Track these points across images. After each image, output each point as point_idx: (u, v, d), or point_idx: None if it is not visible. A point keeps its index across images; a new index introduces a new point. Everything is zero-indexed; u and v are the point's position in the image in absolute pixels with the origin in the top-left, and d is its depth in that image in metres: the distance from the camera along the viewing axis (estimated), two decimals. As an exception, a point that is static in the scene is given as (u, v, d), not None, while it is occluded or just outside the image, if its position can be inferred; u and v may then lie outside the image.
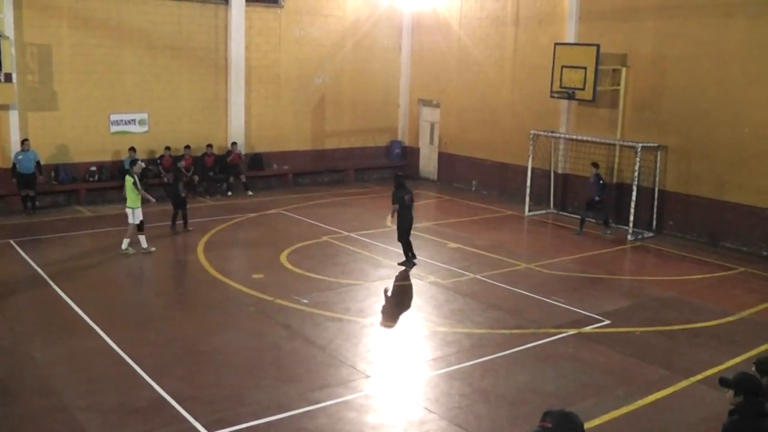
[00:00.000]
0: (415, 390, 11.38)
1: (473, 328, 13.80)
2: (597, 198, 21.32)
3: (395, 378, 11.73)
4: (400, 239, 17.79)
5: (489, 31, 26.97)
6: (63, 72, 23.82)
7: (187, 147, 25.32)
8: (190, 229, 20.56)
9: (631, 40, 22.28)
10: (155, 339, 13.13)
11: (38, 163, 22.58)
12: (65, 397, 10.93)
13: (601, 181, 21.36)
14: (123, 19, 24.57)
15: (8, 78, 22.35)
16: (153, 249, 18.52)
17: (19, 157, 22.40)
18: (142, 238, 18.54)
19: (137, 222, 18.40)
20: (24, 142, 22.61)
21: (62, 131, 23.96)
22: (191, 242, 19.49)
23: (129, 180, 18.37)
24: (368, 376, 11.68)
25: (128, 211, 18.34)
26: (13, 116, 23.10)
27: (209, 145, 25.89)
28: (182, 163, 22.00)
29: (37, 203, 22.87)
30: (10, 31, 22.57)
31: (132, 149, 24.17)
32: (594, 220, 21.85)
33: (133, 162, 19.02)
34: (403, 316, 14.60)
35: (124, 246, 18.45)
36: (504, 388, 11.43)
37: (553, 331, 13.77)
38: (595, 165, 21.63)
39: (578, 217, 22.14)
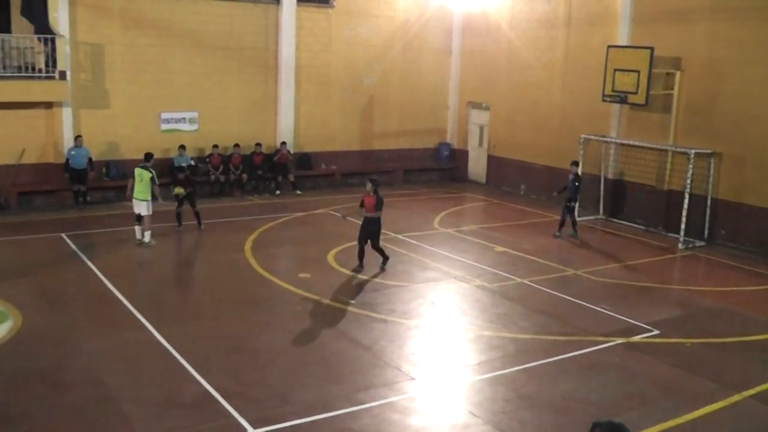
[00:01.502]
0: (459, 393, 11.34)
1: (518, 333, 13.71)
2: (569, 198, 21.06)
3: (439, 381, 11.69)
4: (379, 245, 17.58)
5: (539, 33, 26.78)
6: (115, 70, 24.17)
7: (236, 145, 25.59)
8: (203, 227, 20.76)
9: (685, 43, 21.94)
10: (202, 335, 13.23)
11: (90, 159, 22.94)
12: (112, 388, 11.07)
13: (577, 183, 21.04)
14: (174, 19, 24.84)
15: (62, 76, 22.75)
16: (147, 241, 19.03)
17: (72, 153, 22.79)
18: (138, 230, 19.07)
19: (136, 212, 19.00)
20: (77, 138, 22.98)
21: (113, 128, 24.30)
22: (239, 240, 19.61)
23: (148, 174, 18.87)
24: (413, 378, 11.66)
25: (144, 203, 18.83)
26: (67, 113, 23.50)
27: (258, 144, 26.06)
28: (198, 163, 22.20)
29: (88, 198, 23.22)
30: (64, 30, 22.97)
31: (182, 147, 24.48)
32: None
33: (148, 157, 19.58)
34: (449, 319, 14.53)
35: (147, 239, 18.97)
36: (549, 396, 11.32)
37: (599, 339, 13.61)
38: (575, 163, 21.36)
39: (630, 224, 21.87)
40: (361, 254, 17.30)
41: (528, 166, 27.39)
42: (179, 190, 20.04)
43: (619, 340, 13.56)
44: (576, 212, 21.60)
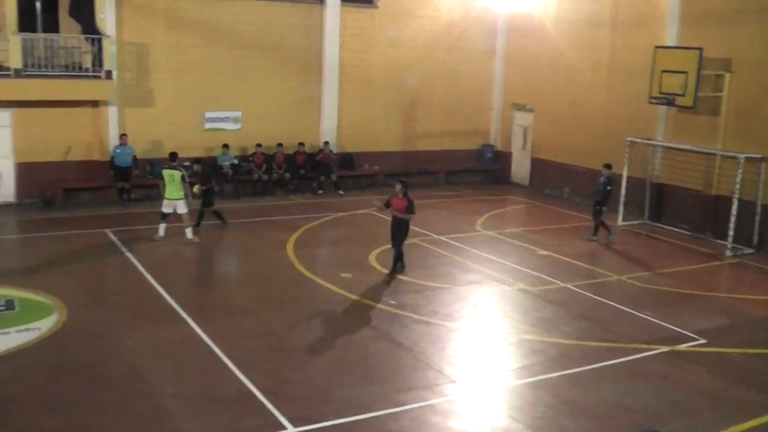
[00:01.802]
0: (499, 397, 11.27)
1: (561, 338, 13.58)
2: (599, 201, 20.73)
3: (480, 384, 11.62)
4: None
5: (584, 33, 26.44)
6: (159, 70, 24.42)
7: (280, 145, 25.69)
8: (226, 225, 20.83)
9: (735, 44, 21.50)
10: (243, 332, 13.30)
11: (134, 157, 23.18)
12: (153, 383, 11.21)
13: (609, 187, 20.70)
14: (218, 19, 25.02)
15: (108, 75, 23.07)
16: (189, 237, 19.24)
17: (117, 150, 23.09)
18: (162, 227, 19.24)
19: (164, 212, 19.21)
20: (122, 136, 23.25)
21: (157, 127, 24.53)
22: (281, 239, 19.68)
23: (178, 173, 19.13)
24: (453, 381, 11.61)
25: (179, 202, 19.09)
26: (112, 112, 23.83)
27: (301, 144, 26.14)
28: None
29: (132, 195, 23.46)
30: (111, 31, 23.28)
31: (225, 146, 24.69)
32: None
33: (173, 156, 19.82)
34: (490, 322, 14.44)
35: (189, 236, 19.19)
36: (591, 402, 11.19)
37: (643, 346, 13.40)
38: (607, 166, 21.00)
39: (675, 229, 21.58)
40: (396, 258, 17.09)
41: (572, 168, 27.10)
42: (197, 188, 20.14)
43: (664, 348, 13.35)
44: (600, 215, 21.02)
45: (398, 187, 16.73)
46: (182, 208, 19.19)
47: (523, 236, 21.17)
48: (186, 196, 19.23)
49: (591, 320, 14.65)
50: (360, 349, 12.77)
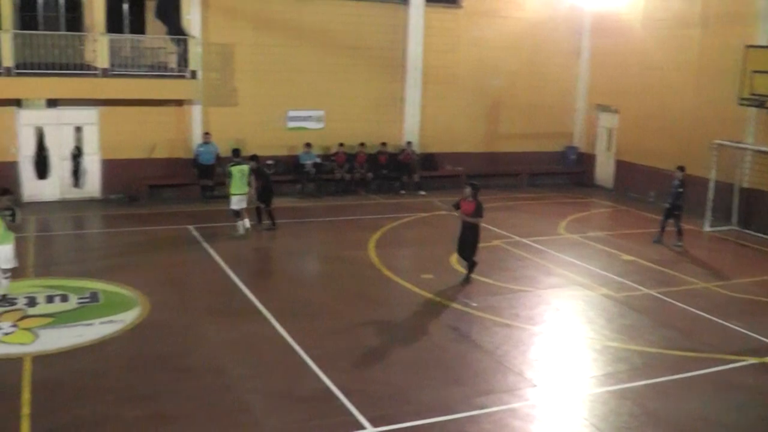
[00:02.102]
0: (582, 404, 11.03)
1: (645, 347, 13.23)
2: (671, 204, 20.18)
3: (563, 390, 11.41)
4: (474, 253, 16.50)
5: (673, 33, 25.74)
6: (244, 70, 24.76)
7: (362, 144, 25.77)
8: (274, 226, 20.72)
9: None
10: (324, 331, 13.34)
11: (217, 155, 23.47)
12: (234, 377, 11.33)
13: (681, 189, 20.09)
14: (303, 19, 25.24)
15: (193, 75, 23.51)
16: (246, 227, 19.78)
17: (201, 149, 23.46)
18: (240, 224, 19.61)
19: (237, 209, 19.50)
20: (205, 134, 23.59)
21: (241, 126, 24.84)
22: (362, 238, 19.74)
23: (247, 168, 19.57)
24: (535, 386, 11.43)
25: (244, 197, 19.54)
26: (197, 111, 24.28)
27: (383, 143, 26.18)
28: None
29: (215, 192, 23.76)
30: (196, 31, 23.71)
31: (307, 145, 24.87)
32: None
33: (237, 152, 20.40)
34: (573, 327, 14.17)
35: (246, 225, 19.75)
36: (675, 414, 10.88)
37: (730, 357, 12.95)
38: (681, 168, 20.37)
39: (765, 236, 20.96)
40: (470, 265, 16.54)
41: (658, 172, 26.40)
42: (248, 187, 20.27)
43: (752, 360, 12.89)
44: (665, 219, 20.56)
45: (467, 189, 16.32)
46: (243, 203, 19.67)
47: (607, 240, 20.78)
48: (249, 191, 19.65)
49: (676, 329, 14.27)
50: (440, 350, 12.67)
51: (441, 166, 27.87)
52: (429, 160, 27.58)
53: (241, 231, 19.66)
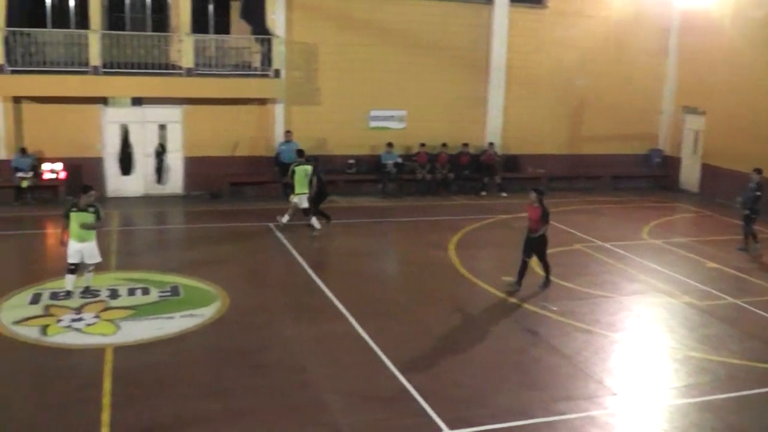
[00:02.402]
0: (663, 415, 10.72)
1: (728, 358, 12.79)
2: (748, 209, 19.44)
3: (643, 399, 11.12)
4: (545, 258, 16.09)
5: (765, 31, 24.87)
6: (327, 69, 24.91)
7: (444, 145, 25.69)
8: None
9: None
10: (402, 331, 13.30)
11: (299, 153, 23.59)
12: (312, 376, 11.35)
13: (758, 192, 19.34)
14: (386, 19, 25.26)
15: (277, 74, 23.74)
16: (284, 221, 20.02)
17: (282, 147, 23.64)
18: (314, 220, 19.86)
19: (305, 207, 19.83)
20: (287, 133, 23.78)
21: (323, 125, 25.02)
22: (443, 239, 19.66)
23: (310, 168, 19.70)
24: (614, 394, 11.17)
25: (298, 198, 19.65)
26: (279, 109, 24.56)
27: (465, 144, 26.04)
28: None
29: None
30: (281, 31, 23.96)
31: (389, 144, 24.87)
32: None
33: (300, 153, 20.64)
34: (655, 336, 13.80)
35: (284, 220, 20.00)
36: (759, 430, 10.51)
37: (822, 371, 12.47)
38: (758, 171, 19.66)
39: None
40: (522, 271, 15.90)
41: (745, 176, 25.55)
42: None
43: None
44: (751, 223, 19.78)
45: (532, 195, 15.73)
46: (305, 202, 19.82)
47: (692, 247, 20.24)
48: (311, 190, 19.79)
49: (762, 340, 13.78)
50: (519, 354, 12.51)
51: (523, 168, 27.57)
52: (511, 162, 27.34)
53: (317, 227, 19.80)
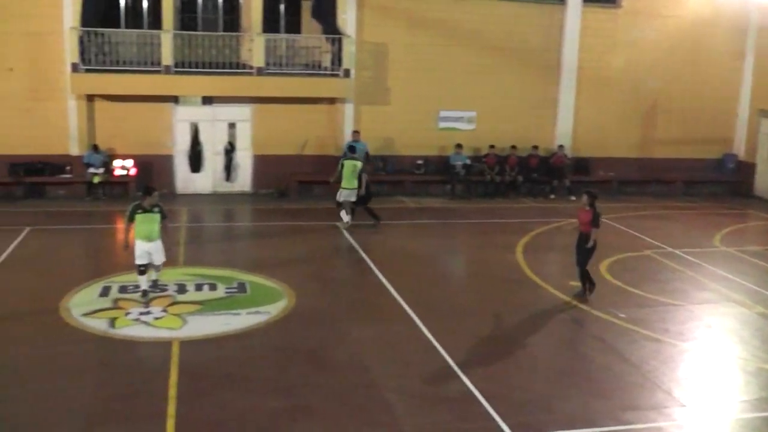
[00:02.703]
0: (732, 429, 10.42)
1: (806, 371, 12.43)
2: None
3: (712, 412, 10.83)
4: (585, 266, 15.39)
5: None
6: (397, 69, 24.89)
7: (513, 147, 25.48)
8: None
9: None
10: (468, 333, 13.19)
11: (367, 153, 23.61)
12: (376, 376, 11.33)
13: None
14: (457, 19, 25.15)
15: (347, 74, 23.81)
16: (345, 220, 20.23)
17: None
18: (343, 214, 20.19)
19: (340, 200, 20.13)
20: (354, 132, 23.79)
21: (391, 125, 25.01)
22: (510, 242, 19.50)
23: (360, 164, 19.91)
24: (683, 405, 10.88)
25: (353, 192, 19.98)
26: (348, 109, 24.65)
27: (535, 146, 25.79)
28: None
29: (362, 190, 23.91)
30: (351, 30, 23.99)
31: (458, 146, 24.76)
32: None
33: (352, 149, 21.04)
34: (727, 346, 13.41)
35: (345, 219, 20.14)
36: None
37: None
38: None
39: None
40: (582, 278, 15.45)
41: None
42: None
43: None
44: None
45: (584, 198, 15.31)
46: (353, 197, 20.03)
47: (765, 255, 19.63)
48: (359, 186, 19.90)
49: (842, 353, 13.36)
50: (585, 360, 12.31)
51: (593, 171, 27.19)
52: (580, 165, 26.97)
53: (346, 220, 20.14)
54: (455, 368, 11.58)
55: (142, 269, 13.97)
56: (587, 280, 15.34)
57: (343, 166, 20.03)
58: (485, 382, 11.08)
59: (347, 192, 20.00)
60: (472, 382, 11.07)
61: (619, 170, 27.32)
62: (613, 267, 17.59)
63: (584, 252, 15.14)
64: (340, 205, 20.22)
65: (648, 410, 10.62)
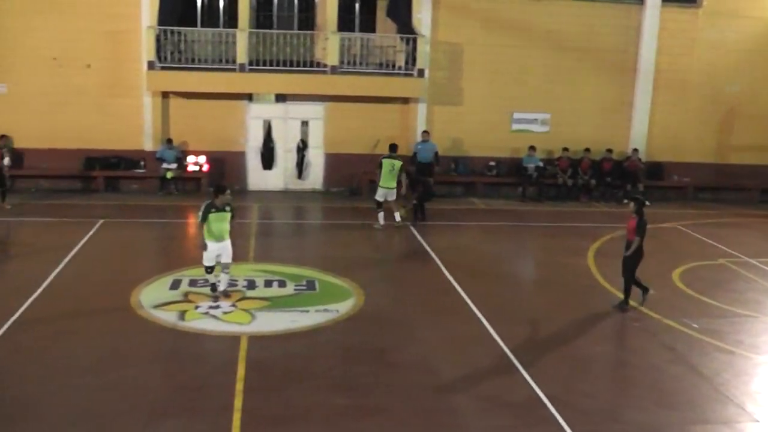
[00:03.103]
0: (813, 448, 10.14)
1: None
2: None
3: (787, 427, 10.53)
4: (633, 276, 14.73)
5: None
6: (471, 70, 24.82)
7: (587, 150, 25.23)
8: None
9: None
10: (536, 337, 13.13)
11: (436, 153, 23.53)
12: (442, 377, 11.29)
13: None
14: (533, 19, 24.96)
15: (421, 73, 23.78)
16: (398, 220, 20.29)
17: (419, 146, 23.55)
18: (381, 216, 20.19)
19: (380, 200, 20.14)
20: (424, 133, 23.71)
21: (463, 126, 24.98)
22: (581, 246, 19.29)
23: (399, 163, 19.91)
24: (756, 420, 10.56)
25: (392, 191, 20.09)
26: (421, 109, 24.63)
27: (608, 150, 25.44)
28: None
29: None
30: (426, 30, 24.00)
31: (531, 148, 24.58)
32: None
33: (393, 148, 20.73)
34: (803, 360, 13.10)
35: (397, 218, 20.28)
36: None
37: None
38: None
39: None
40: (628, 289, 14.75)
41: None
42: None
43: None
44: None
45: (632, 205, 14.64)
46: (393, 196, 20.04)
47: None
48: (399, 185, 20.02)
49: None
50: (655, 371, 12.04)
51: (667, 176, 26.70)
52: (654, 169, 26.51)
53: (381, 222, 20.14)
54: (522, 372, 11.47)
55: (209, 270, 14.13)
56: (639, 287, 14.85)
57: (381, 164, 20.13)
58: (552, 388, 10.95)
59: (384, 191, 20.08)
60: (539, 387, 10.95)
61: (695, 176, 26.77)
62: (685, 275, 17.24)
63: (626, 261, 14.59)
64: (379, 205, 20.22)
65: (719, 424, 10.37)
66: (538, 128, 25.69)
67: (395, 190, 20.11)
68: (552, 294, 15.84)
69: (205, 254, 13.94)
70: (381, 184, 20.09)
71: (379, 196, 20.18)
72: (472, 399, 10.62)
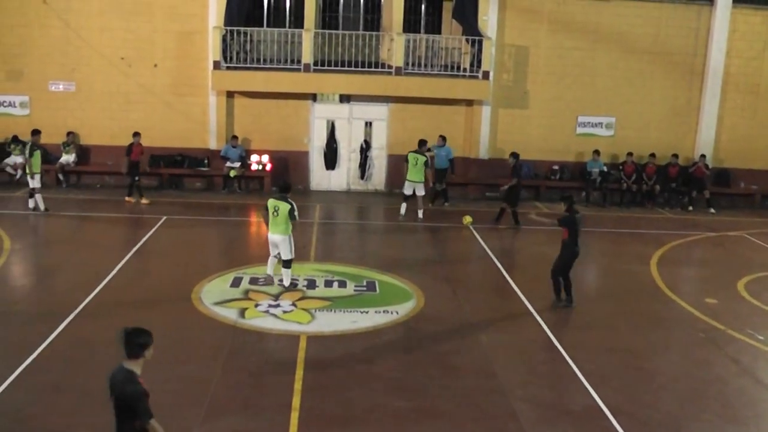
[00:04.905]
0: None
1: None
2: None
3: None
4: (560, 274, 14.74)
5: None
6: (537, 73, 24.66)
7: (652, 155, 24.89)
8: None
9: None
10: (597, 345, 12.94)
11: (451, 160, 23.46)
12: (504, 383, 11.19)
13: None
14: (601, 21, 24.67)
15: (486, 76, 23.61)
16: (403, 216, 21.13)
17: (435, 151, 22.94)
18: (403, 206, 21.11)
19: (407, 194, 20.94)
20: (440, 138, 23.31)
21: (528, 129, 24.87)
22: (645, 253, 19.01)
23: (423, 158, 20.71)
24: (823, 435, 10.34)
25: (420, 185, 20.74)
26: (486, 111, 24.59)
27: (674, 155, 25.03)
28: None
29: (449, 195, 23.91)
30: (492, 32, 23.89)
31: (596, 152, 24.38)
32: None
33: (421, 143, 21.08)
34: None
35: (420, 216, 20.99)
36: None
37: None
38: None
39: None
40: (557, 289, 14.81)
41: None
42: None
43: None
44: None
45: (562, 204, 14.92)
46: (420, 191, 20.84)
47: None
48: (426, 180, 20.69)
49: None
50: (719, 383, 11.80)
51: (734, 183, 26.18)
52: (722, 176, 26.02)
53: (402, 213, 20.98)
54: (583, 380, 11.34)
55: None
56: (557, 289, 14.83)
57: (407, 159, 20.78)
58: (613, 397, 10.81)
59: (411, 184, 20.76)
60: (599, 396, 10.81)
61: (763, 183, 26.17)
62: (751, 285, 16.85)
63: (559, 258, 14.85)
64: (406, 198, 20.92)
65: (786, 439, 10.15)
66: (603, 132, 25.40)
67: (422, 184, 20.73)
68: (614, 301, 15.62)
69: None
70: (408, 177, 20.76)
71: (406, 189, 20.83)
72: (532, 406, 10.52)
